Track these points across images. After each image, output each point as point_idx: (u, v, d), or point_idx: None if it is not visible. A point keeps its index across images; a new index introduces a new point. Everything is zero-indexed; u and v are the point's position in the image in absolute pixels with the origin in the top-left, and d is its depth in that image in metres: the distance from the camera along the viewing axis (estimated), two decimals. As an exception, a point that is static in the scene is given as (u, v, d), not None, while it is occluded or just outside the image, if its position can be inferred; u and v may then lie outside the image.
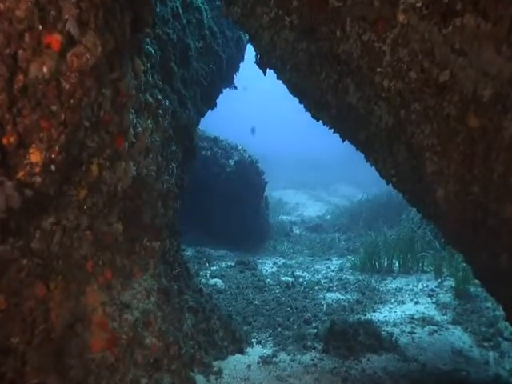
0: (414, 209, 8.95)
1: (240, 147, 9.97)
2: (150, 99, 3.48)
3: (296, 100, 4.31)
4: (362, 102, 3.35)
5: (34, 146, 2.17)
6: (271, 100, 43.57)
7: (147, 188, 3.54)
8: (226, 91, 6.71)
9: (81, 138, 2.45)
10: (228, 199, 9.41)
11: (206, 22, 5.23)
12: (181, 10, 4.47)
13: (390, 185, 3.84)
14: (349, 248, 9.66)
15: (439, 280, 6.65)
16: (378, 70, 2.82)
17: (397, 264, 7.42)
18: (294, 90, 4.24)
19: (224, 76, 5.99)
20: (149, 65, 3.56)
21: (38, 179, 2.23)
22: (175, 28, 4.36)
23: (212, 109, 6.37)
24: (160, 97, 3.67)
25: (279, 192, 19.01)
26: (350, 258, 8.51)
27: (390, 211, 11.44)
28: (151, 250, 3.59)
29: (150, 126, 3.43)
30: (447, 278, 6.69)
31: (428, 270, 7.16)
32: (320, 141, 35.81)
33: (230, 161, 9.63)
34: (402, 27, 2.49)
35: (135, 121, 3.18)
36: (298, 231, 11.96)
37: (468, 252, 3.32)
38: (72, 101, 2.17)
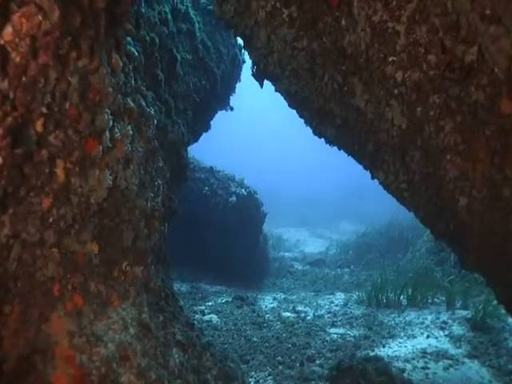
0: (421, 240, 8.55)
1: (238, 178, 9.61)
2: (132, 104, 3.16)
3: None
4: (370, 106, 3.04)
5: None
6: (271, 137, 43.83)
7: (127, 204, 3.18)
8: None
9: (38, 129, 2.11)
10: (225, 232, 8.99)
11: (198, 34, 5.00)
12: (170, 17, 4.22)
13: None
14: (353, 282, 9.19)
15: (450, 312, 6.20)
16: (391, 58, 2.50)
17: (405, 297, 6.96)
18: (294, 100, 3.94)
19: (218, 95, 5.70)
20: (131, 67, 3.26)
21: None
22: (163, 34, 4.11)
23: (206, 131, 6.07)
24: (143, 103, 3.35)
25: (280, 229, 18.59)
26: (354, 292, 8.06)
27: (395, 244, 11.03)
28: (132, 275, 3.19)
29: (131, 132, 3.09)
30: (459, 309, 6.24)
31: (438, 301, 6.71)
32: (320, 178, 35.87)
33: (227, 192, 9.27)
34: (420, 0, 2.17)
35: (112, 123, 2.84)
36: (299, 267, 11.49)
37: (494, 272, 2.91)
38: (24, 78, 1.83)
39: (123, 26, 2.98)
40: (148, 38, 3.80)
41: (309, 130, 4.07)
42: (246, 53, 5.03)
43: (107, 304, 2.91)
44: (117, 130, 2.98)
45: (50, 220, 2.51)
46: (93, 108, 2.65)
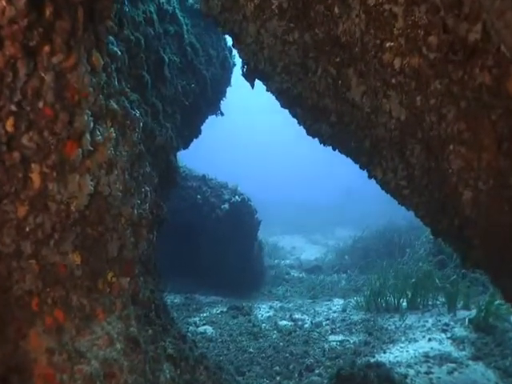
0: (419, 242, 8.38)
1: (231, 185, 9.45)
2: (115, 105, 3.01)
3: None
4: (366, 98, 2.91)
5: None
6: (266, 147, 43.76)
7: (112, 211, 3.01)
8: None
9: (8, 129, 1.95)
10: (219, 241, 8.81)
11: (186, 36, 4.86)
12: (155, 17, 4.08)
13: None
14: (351, 287, 9.03)
15: (452, 313, 6.04)
16: (388, 44, 2.37)
17: (404, 300, 6.80)
18: (287, 98, 3.80)
19: (208, 99, 5.55)
20: (113, 67, 3.11)
21: None
22: (148, 34, 3.96)
23: (196, 136, 5.91)
24: (128, 105, 3.19)
25: (274, 237, 18.40)
26: (353, 297, 7.90)
27: (392, 247, 10.88)
28: (118, 287, 3.01)
29: (114, 135, 2.93)
30: (461, 310, 6.09)
31: (439, 303, 6.55)
32: (314, 185, 35.77)
33: (220, 200, 9.10)
34: (418, -22, 2.04)
35: (93, 126, 2.68)
36: (295, 274, 11.32)
37: (501, 268, 2.77)
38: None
39: (104, 23, 2.84)
40: (132, 37, 3.66)
41: (302, 137, 3.94)
42: (237, 55, 4.90)
43: (91, 318, 2.74)
44: (98, 132, 2.83)
45: (27, 229, 2.36)
46: (71, 108, 2.50)
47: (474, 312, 5.74)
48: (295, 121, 3.89)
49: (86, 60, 2.67)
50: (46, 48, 2.12)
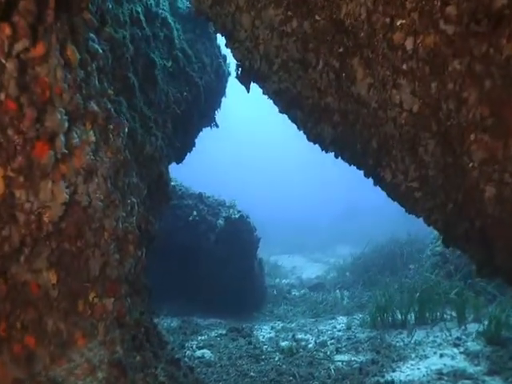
0: (424, 255, 8.05)
1: (228, 203, 9.14)
2: (95, 107, 2.74)
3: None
4: (374, 91, 2.64)
5: None
6: (265, 167, 43.56)
7: (93, 224, 2.72)
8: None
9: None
10: (217, 261, 8.48)
11: (177, 41, 4.61)
12: (142, 18, 3.85)
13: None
14: (355, 305, 8.67)
15: (463, 327, 5.71)
16: (399, 22, 2.11)
17: (412, 315, 6.45)
18: (285, 100, 3.55)
19: (202, 108, 5.28)
20: (94, 66, 2.85)
21: None
22: (135, 35, 3.72)
23: (190, 150, 5.62)
24: (111, 108, 2.91)
25: (274, 257, 18.05)
26: (357, 314, 7.56)
27: (395, 261, 10.56)
28: (101, 309, 2.71)
29: (94, 139, 2.64)
30: (471, 323, 5.76)
31: (448, 317, 6.22)
32: (313, 204, 35.48)
33: (218, 218, 8.79)
34: None
35: (69, 126, 2.40)
36: (297, 293, 10.96)
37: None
38: None
39: (81, 15, 2.58)
40: (117, 36, 3.39)
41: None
42: (232, 65, 4.61)
43: (69, 344, 2.42)
44: (75, 135, 2.55)
45: (-11, 243, 2.05)
46: (41, 105, 2.22)
47: (485, 324, 5.43)
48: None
49: (60, 53, 2.41)
50: (7, 30, 1.84)
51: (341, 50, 2.68)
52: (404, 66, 2.31)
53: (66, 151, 2.43)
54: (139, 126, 3.64)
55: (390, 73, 2.43)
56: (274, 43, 3.12)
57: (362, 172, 3.56)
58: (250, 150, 44.49)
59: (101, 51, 3.13)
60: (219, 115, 6.34)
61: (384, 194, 3.38)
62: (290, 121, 3.89)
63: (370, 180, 3.51)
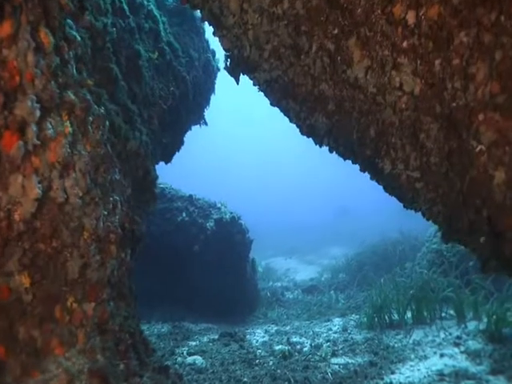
0: (420, 253, 7.87)
1: (219, 204, 8.92)
2: (73, 97, 2.54)
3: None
4: (371, 74, 2.47)
5: None
6: (256, 170, 43.46)
7: (71, 223, 2.51)
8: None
9: None
10: (209, 264, 8.26)
11: (163, 34, 4.41)
12: (126, 7, 3.64)
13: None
14: (350, 306, 8.49)
15: (462, 325, 5.54)
16: None
17: (409, 315, 6.27)
18: (276, 90, 3.37)
19: (190, 104, 5.07)
20: (72, 54, 2.65)
21: None
22: (117, 25, 3.52)
23: (178, 148, 5.41)
24: (90, 99, 2.71)
25: (268, 260, 17.88)
26: (353, 315, 7.38)
27: (390, 260, 10.41)
28: (81, 314, 2.50)
29: (71, 131, 2.44)
30: (471, 321, 5.60)
31: (447, 315, 6.05)
32: (305, 206, 35.40)
33: (209, 220, 8.57)
34: None
35: (42, 116, 2.20)
36: (291, 295, 10.77)
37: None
38: None
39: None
40: (97, 24, 3.19)
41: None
42: (221, 60, 4.38)
43: (44, 353, 2.21)
44: (50, 125, 2.35)
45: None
46: (9, 90, 2.01)
47: (484, 322, 5.27)
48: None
49: (31, 36, 2.21)
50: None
51: (336, 31, 2.51)
52: (405, 44, 2.14)
53: (39, 143, 2.23)
54: (122, 119, 3.43)
55: (390, 52, 2.26)
56: (264, 28, 2.94)
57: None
58: (240, 154, 44.45)
59: (79, 39, 2.93)
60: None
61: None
62: (281, 119, 3.74)
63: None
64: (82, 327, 2.45)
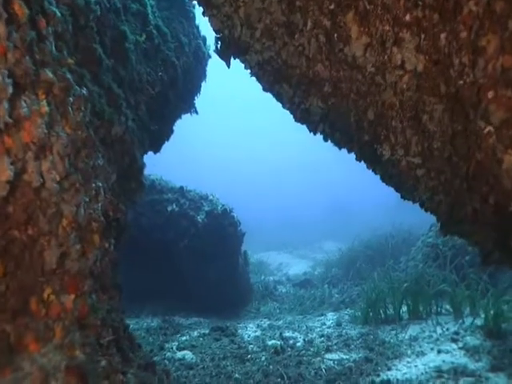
0: (415, 247, 7.73)
1: (211, 196, 8.74)
2: (51, 75, 2.36)
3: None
4: (371, 52, 2.31)
5: None
6: (248, 166, 43.26)
7: (48, 210, 2.34)
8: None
9: None
10: (200, 257, 8.09)
11: (151, 17, 4.22)
12: (111, -14, 3.46)
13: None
14: (344, 300, 8.36)
15: (460, 321, 5.41)
16: None
17: (405, 309, 6.14)
18: (269, 73, 3.19)
19: (179, 91, 4.88)
20: (51, 30, 2.46)
21: None
22: (102, 4, 3.33)
23: (168, 137, 5.22)
24: (70, 78, 2.53)
25: (260, 254, 17.71)
26: (347, 310, 7.26)
27: (384, 254, 10.28)
28: (58, 307, 2.33)
29: (48, 110, 2.26)
30: (468, 316, 5.48)
31: (443, 311, 5.93)
32: (298, 201, 35.27)
33: (200, 212, 8.39)
34: None
35: (15, 93, 2.03)
36: (283, 290, 10.63)
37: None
38: None
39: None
40: (79, 2, 3.01)
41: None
42: (212, 47, 4.21)
43: (17, 350, 2.05)
44: (24, 104, 2.17)
45: None
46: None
47: (482, 317, 5.16)
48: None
49: (3, 7, 2.04)
50: None
51: (332, 6, 2.34)
52: (407, 17, 1.98)
53: (11, 121, 2.06)
54: (106, 102, 3.25)
55: (391, 27, 2.10)
56: (256, 5, 2.77)
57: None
58: (233, 149, 44.27)
59: (59, 15, 2.75)
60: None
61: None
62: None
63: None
64: (60, 321, 2.28)
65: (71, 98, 2.58)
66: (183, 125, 5.73)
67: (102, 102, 3.20)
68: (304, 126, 3.55)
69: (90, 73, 3.14)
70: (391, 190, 3.26)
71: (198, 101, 5.84)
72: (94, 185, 2.80)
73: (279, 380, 4.33)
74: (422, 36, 1.98)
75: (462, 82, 1.92)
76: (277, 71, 3.10)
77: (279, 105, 3.52)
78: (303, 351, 5.32)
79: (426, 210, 3.19)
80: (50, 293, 2.30)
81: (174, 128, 5.38)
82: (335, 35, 2.44)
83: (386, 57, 2.24)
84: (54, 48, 2.55)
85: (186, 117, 5.69)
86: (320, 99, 2.95)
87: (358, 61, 2.42)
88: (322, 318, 7.18)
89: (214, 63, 5.16)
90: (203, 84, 5.87)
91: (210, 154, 41.65)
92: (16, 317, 2.11)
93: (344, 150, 3.45)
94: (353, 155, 3.43)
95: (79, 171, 2.62)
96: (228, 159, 43.11)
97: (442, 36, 1.88)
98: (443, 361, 4.39)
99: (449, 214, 2.78)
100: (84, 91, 2.77)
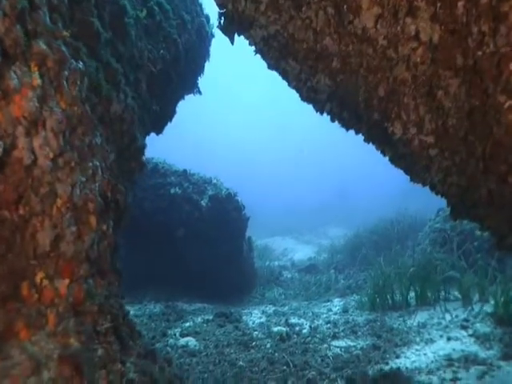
0: (422, 232, 7.58)
1: (215, 180, 8.61)
2: (44, 47, 2.22)
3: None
4: (382, 23, 2.15)
5: None
6: (255, 151, 43.02)
7: (41, 189, 2.21)
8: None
9: None
10: (204, 241, 7.99)
11: (152, -7, 4.04)
12: (107, -44, 3.30)
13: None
14: (350, 286, 8.25)
15: (469, 307, 5.28)
16: None
17: (413, 295, 6.02)
18: (275, 48, 3.03)
19: (183, 71, 4.72)
20: (44, 0, 2.30)
21: None
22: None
23: (170, 118, 5.07)
24: (65, 51, 2.39)
25: (265, 240, 17.64)
26: (354, 296, 7.15)
27: (391, 240, 10.14)
28: (52, 293, 2.20)
29: (40, 83, 2.13)
30: (477, 302, 5.35)
31: (452, 297, 5.80)
32: (304, 186, 35.15)
33: (204, 196, 8.27)
34: None
35: (3, 62, 1.90)
36: (289, 275, 10.54)
37: None
38: None
39: None
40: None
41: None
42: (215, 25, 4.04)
43: (6, 337, 1.93)
44: (14, 75, 2.03)
45: None
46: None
47: (491, 304, 5.03)
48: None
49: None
50: None
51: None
52: (425, -21, 1.82)
53: (0, 93, 1.93)
54: (104, 78, 3.11)
55: (404, -6, 1.94)
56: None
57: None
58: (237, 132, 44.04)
59: (51, -16, 2.61)
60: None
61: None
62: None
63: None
64: (54, 307, 2.17)
65: (66, 72, 2.45)
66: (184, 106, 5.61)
67: (100, 77, 3.06)
68: (310, 109, 3.41)
69: (86, 47, 3.00)
70: (396, 179, 3.11)
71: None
72: (90, 164, 2.67)
73: (285, 368, 4.23)
74: (438, 4, 1.82)
75: (480, 52, 1.77)
76: (283, 46, 2.95)
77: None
78: (309, 338, 5.22)
79: (436, 194, 3.05)
80: (42, 277, 2.18)
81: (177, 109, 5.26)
82: (344, 6, 2.29)
83: (398, 28, 2.08)
84: (47, 19, 2.41)
85: (189, 97, 5.56)
86: (328, 76, 2.80)
87: (368, 33, 2.26)
88: (328, 303, 7.08)
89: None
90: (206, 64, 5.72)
91: (212, 140, 41.40)
92: (6, 302, 1.99)
93: (351, 133, 3.31)
94: (360, 138, 3.29)
95: (75, 149, 2.49)
96: (232, 145, 42.90)
97: (460, 4, 1.73)
98: (453, 349, 4.27)
99: (461, 196, 2.64)
100: (80, 65, 2.63)
